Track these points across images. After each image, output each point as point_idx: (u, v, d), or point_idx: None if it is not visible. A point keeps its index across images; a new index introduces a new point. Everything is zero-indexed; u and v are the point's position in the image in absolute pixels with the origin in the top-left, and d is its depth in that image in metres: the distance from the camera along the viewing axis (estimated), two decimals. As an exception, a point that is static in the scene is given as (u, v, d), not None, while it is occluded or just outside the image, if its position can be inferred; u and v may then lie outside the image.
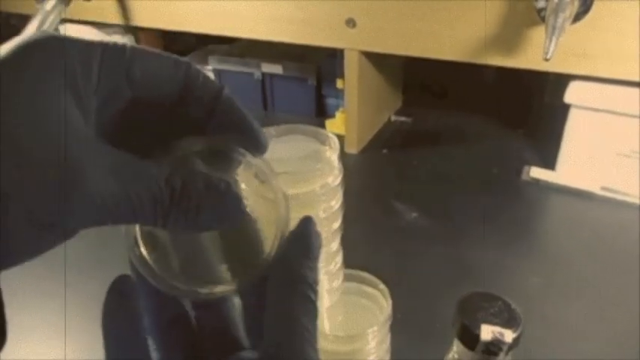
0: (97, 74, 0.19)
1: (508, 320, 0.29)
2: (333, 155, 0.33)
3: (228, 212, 0.20)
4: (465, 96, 0.99)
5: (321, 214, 0.34)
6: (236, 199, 0.20)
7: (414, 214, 0.68)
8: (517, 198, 0.71)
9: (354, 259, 0.43)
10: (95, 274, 0.39)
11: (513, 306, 0.30)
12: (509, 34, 0.65)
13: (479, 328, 0.29)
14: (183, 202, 0.18)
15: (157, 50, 0.21)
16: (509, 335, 0.28)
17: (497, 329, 0.28)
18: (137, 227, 0.21)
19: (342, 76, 0.82)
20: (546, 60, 0.49)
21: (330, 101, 0.92)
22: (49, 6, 0.77)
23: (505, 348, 0.28)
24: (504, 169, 0.77)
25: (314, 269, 0.21)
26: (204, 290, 0.22)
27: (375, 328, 0.38)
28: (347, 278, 0.41)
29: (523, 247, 0.63)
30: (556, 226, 0.69)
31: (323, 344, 0.38)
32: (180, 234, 0.22)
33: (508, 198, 0.71)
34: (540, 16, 0.59)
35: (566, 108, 0.69)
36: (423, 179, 0.76)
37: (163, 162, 0.20)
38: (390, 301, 0.39)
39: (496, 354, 0.28)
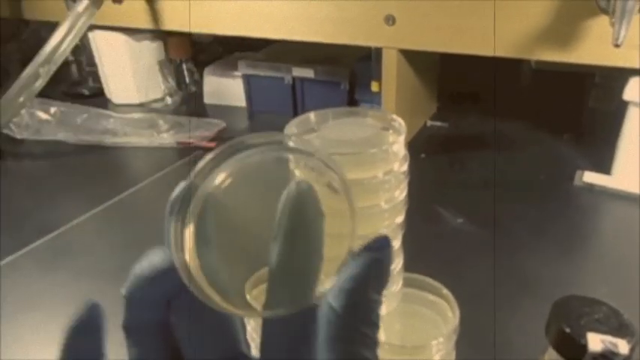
0: None
1: (619, 328, 0.24)
2: (398, 139, 0.29)
3: None
4: (501, 101, 0.94)
5: (384, 205, 0.30)
6: None
7: (460, 220, 0.63)
8: (571, 204, 0.66)
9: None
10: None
11: (621, 312, 0.25)
12: (563, 26, 0.60)
13: (584, 336, 0.24)
14: None
15: None
16: (624, 346, 0.23)
17: (608, 339, 0.24)
18: (191, 228, 0.17)
19: (377, 78, 0.78)
20: (617, 46, 0.45)
21: (364, 106, 0.88)
22: (81, 7, 0.76)
23: (619, 361, 0.23)
24: (553, 175, 0.72)
25: (380, 299, 0.17)
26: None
27: (441, 339, 0.33)
28: (405, 283, 0.37)
29: (583, 255, 0.57)
30: (615, 233, 0.63)
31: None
32: None
33: (561, 204, 0.66)
34: (599, 5, 0.55)
35: (613, 112, 0.64)
36: (465, 184, 0.72)
37: None
38: (457, 312, 0.34)
39: (606, 368, 0.24)
